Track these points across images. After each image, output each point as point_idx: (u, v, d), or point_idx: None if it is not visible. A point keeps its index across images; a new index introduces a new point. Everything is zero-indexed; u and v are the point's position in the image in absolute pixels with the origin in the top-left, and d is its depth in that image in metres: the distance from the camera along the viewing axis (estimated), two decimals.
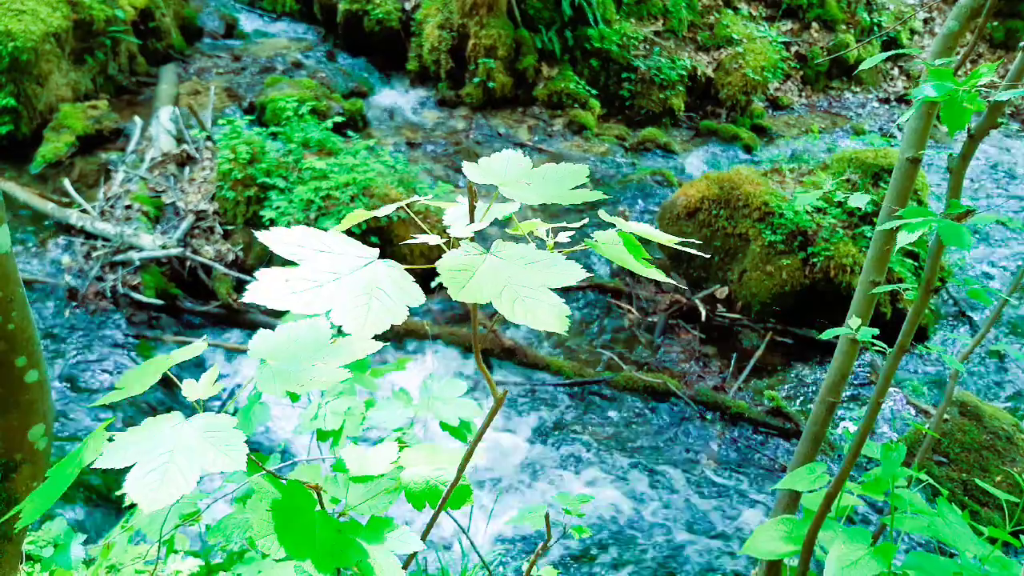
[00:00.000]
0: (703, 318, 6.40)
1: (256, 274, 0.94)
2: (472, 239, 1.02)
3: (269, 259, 5.94)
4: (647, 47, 10.01)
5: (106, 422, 1.06)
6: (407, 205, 1.16)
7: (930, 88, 1.53)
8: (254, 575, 2.18)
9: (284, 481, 1.09)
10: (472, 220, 1.04)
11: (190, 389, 1.10)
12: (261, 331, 1.12)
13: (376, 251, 1.00)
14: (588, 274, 1.01)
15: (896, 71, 11.58)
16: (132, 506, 2.27)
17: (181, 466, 0.91)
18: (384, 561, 1.05)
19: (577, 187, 1.09)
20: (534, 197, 1.06)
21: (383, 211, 1.13)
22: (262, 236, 1.00)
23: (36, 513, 1.01)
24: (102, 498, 4.57)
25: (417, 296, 0.93)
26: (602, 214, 1.20)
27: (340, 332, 0.97)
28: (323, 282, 0.93)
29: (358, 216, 1.13)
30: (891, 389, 5.70)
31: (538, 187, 1.09)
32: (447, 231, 1.06)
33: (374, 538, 1.09)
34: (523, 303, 0.90)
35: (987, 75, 1.53)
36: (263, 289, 0.92)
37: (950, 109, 1.55)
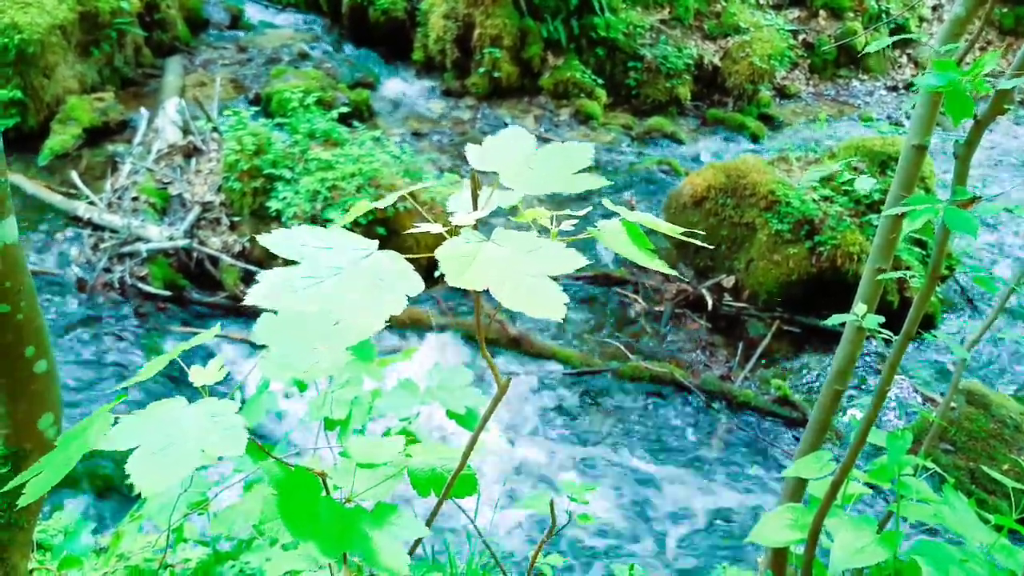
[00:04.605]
0: (710, 307, 6.40)
1: (257, 276, 0.94)
2: (475, 227, 1.02)
3: None
4: (653, 36, 9.96)
5: (111, 404, 1.08)
6: (411, 194, 1.16)
7: (933, 77, 1.52)
8: (262, 562, 2.20)
9: (292, 467, 1.10)
10: (475, 208, 1.05)
11: (197, 375, 1.11)
12: (264, 316, 1.13)
13: (376, 243, 1.01)
14: (589, 261, 1.01)
15: (904, 59, 11.50)
16: (142, 495, 2.29)
17: (182, 449, 0.93)
18: (388, 546, 1.06)
19: (581, 170, 1.09)
20: (536, 186, 1.06)
21: (386, 201, 1.13)
22: (263, 240, 1.00)
23: (40, 490, 1.02)
24: (111, 488, 4.61)
25: (417, 284, 0.94)
26: (606, 202, 1.20)
27: None
28: (324, 277, 0.94)
29: (362, 208, 1.13)
30: (897, 377, 5.69)
31: (541, 173, 1.08)
32: (451, 220, 1.06)
33: (378, 523, 1.10)
34: (521, 290, 0.90)
35: (990, 64, 1.52)
36: (264, 290, 0.92)
37: (953, 99, 1.54)
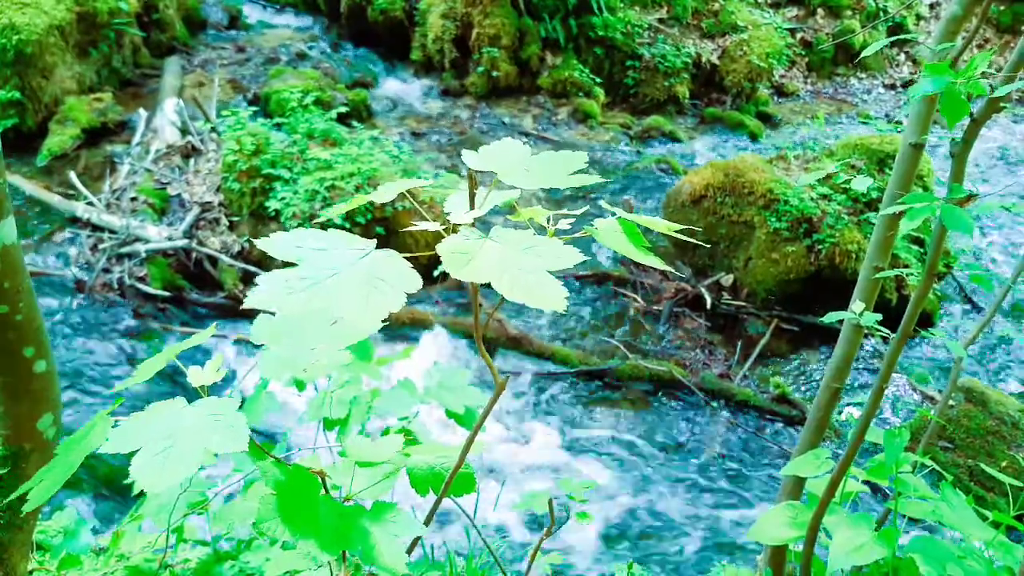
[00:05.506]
0: (708, 306, 6.40)
1: (256, 280, 0.95)
2: (473, 225, 1.02)
3: None
4: (651, 35, 9.97)
5: (110, 407, 1.08)
6: (409, 192, 1.17)
7: (927, 83, 1.52)
8: (262, 562, 2.21)
9: (289, 466, 1.10)
10: (472, 206, 1.05)
11: (195, 375, 1.12)
12: (262, 316, 1.13)
13: (373, 242, 1.01)
14: (586, 258, 1.01)
15: (902, 57, 11.51)
16: (141, 495, 2.29)
17: (184, 449, 0.93)
18: (386, 543, 1.07)
19: (576, 172, 1.10)
20: (531, 182, 1.07)
21: (380, 196, 1.13)
22: (260, 244, 1.00)
23: (43, 496, 1.03)
24: (111, 488, 4.61)
25: (415, 282, 0.94)
26: (603, 203, 1.21)
27: None
28: (321, 278, 0.94)
29: (358, 201, 1.14)
30: (895, 375, 5.69)
31: (536, 173, 1.09)
32: (449, 219, 1.07)
33: (377, 521, 1.10)
34: (521, 282, 0.91)
35: (982, 64, 1.52)
36: (263, 294, 0.93)
37: (948, 101, 1.54)
